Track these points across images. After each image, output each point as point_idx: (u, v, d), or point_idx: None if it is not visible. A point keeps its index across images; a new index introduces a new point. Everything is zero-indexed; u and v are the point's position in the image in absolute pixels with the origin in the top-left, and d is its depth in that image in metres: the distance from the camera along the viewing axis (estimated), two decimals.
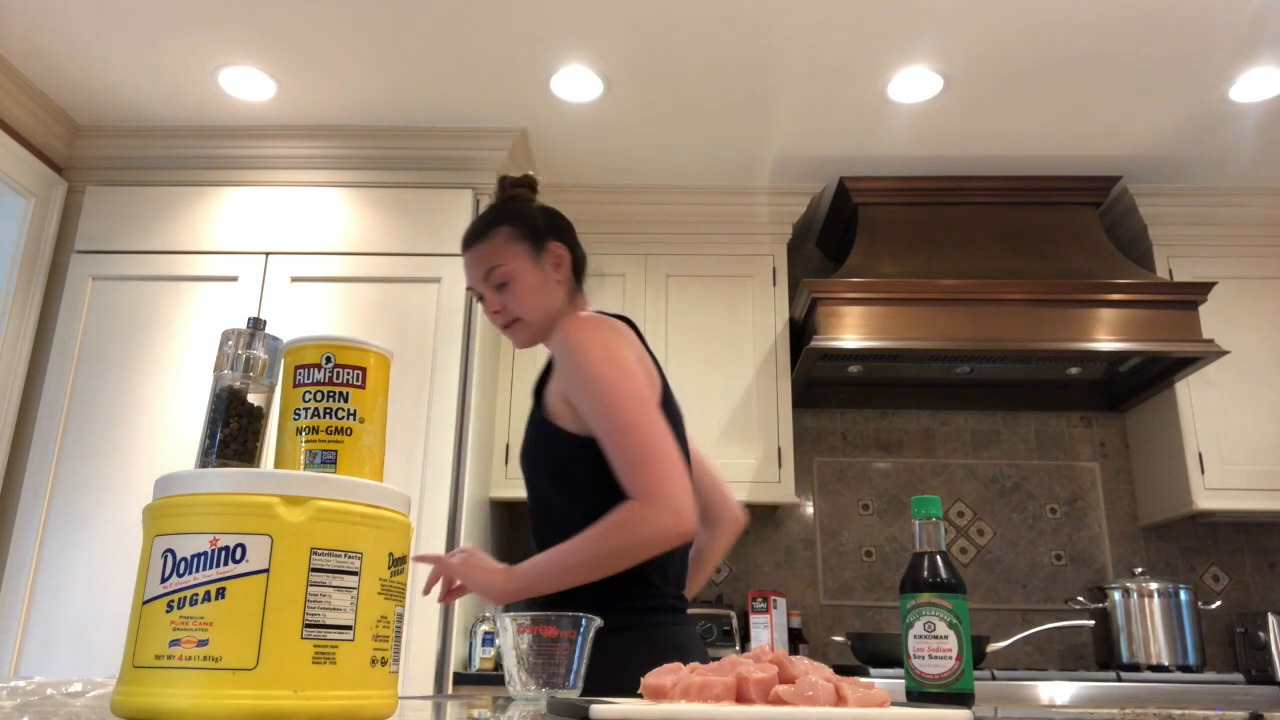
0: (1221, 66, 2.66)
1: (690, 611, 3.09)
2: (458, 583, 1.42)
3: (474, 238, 1.56)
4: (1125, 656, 2.89)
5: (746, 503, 3.09)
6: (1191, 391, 3.10)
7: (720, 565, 3.38)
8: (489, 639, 2.75)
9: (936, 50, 2.63)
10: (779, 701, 0.75)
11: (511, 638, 1.07)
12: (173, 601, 0.66)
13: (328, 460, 0.78)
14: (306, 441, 0.79)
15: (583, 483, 1.43)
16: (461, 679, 2.65)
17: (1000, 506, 3.38)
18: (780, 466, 3.08)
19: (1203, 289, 2.95)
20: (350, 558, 0.70)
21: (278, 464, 0.80)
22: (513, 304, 1.52)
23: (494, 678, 2.65)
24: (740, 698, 0.77)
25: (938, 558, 1.04)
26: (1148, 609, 2.89)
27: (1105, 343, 2.91)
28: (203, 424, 0.85)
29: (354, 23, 2.56)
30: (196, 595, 0.66)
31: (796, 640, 3.14)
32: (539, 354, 3.22)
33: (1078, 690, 2.53)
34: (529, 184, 1.63)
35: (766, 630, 2.99)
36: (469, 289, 1.58)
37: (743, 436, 3.12)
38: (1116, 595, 2.93)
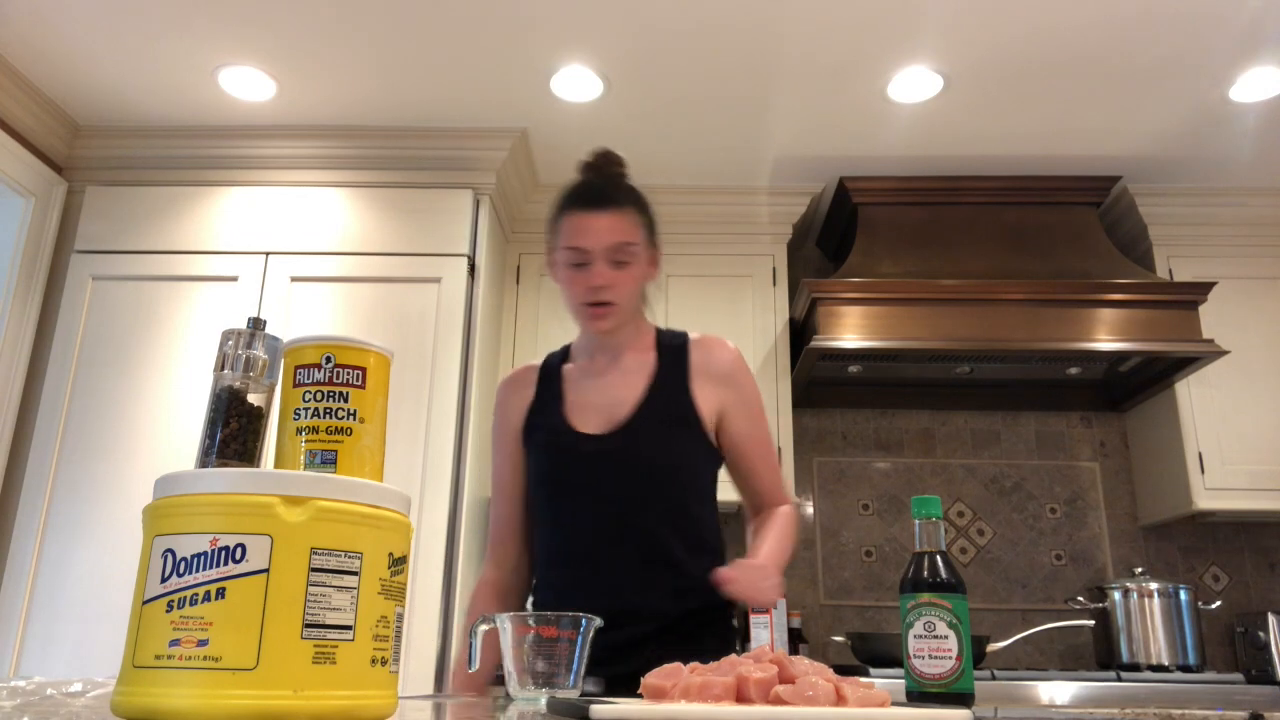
0: (1221, 66, 2.66)
1: None
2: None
3: (612, 203, 1.43)
4: (1125, 656, 2.89)
5: None
6: (1191, 391, 3.10)
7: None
8: None
9: (936, 50, 2.63)
10: (779, 701, 0.75)
11: (511, 638, 1.08)
12: (173, 601, 0.66)
13: (328, 460, 0.78)
14: (306, 441, 0.79)
15: (708, 489, 1.53)
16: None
17: (1000, 506, 3.38)
18: (780, 467, 3.08)
19: (1203, 289, 2.95)
20: (350, 558, 0.70)
21: (278, 464, 0.80)
22: (619, 287, 1.43)
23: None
24: (740, 698, 0.77)
25: (938, 558, 1.04)
26: (1148, 609, 2.89)
27: (1105, 343, 2.91)
28: (203, 424, 0.85)
29: (354, 23, 2.56)
30: (196, 595, 0.66)
31: (796, 640, 3.14)
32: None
33: (1078, 690, 2.53)
34: (622, 166, 1.55)
35: (766, 630, 2.98)
36: (574, 248, 1.43)
37: None
38: (1116, 595, 2.93)
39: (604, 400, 1.49)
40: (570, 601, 1.40)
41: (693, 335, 1.57)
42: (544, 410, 1.53)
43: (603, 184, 1.48)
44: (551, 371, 1.58)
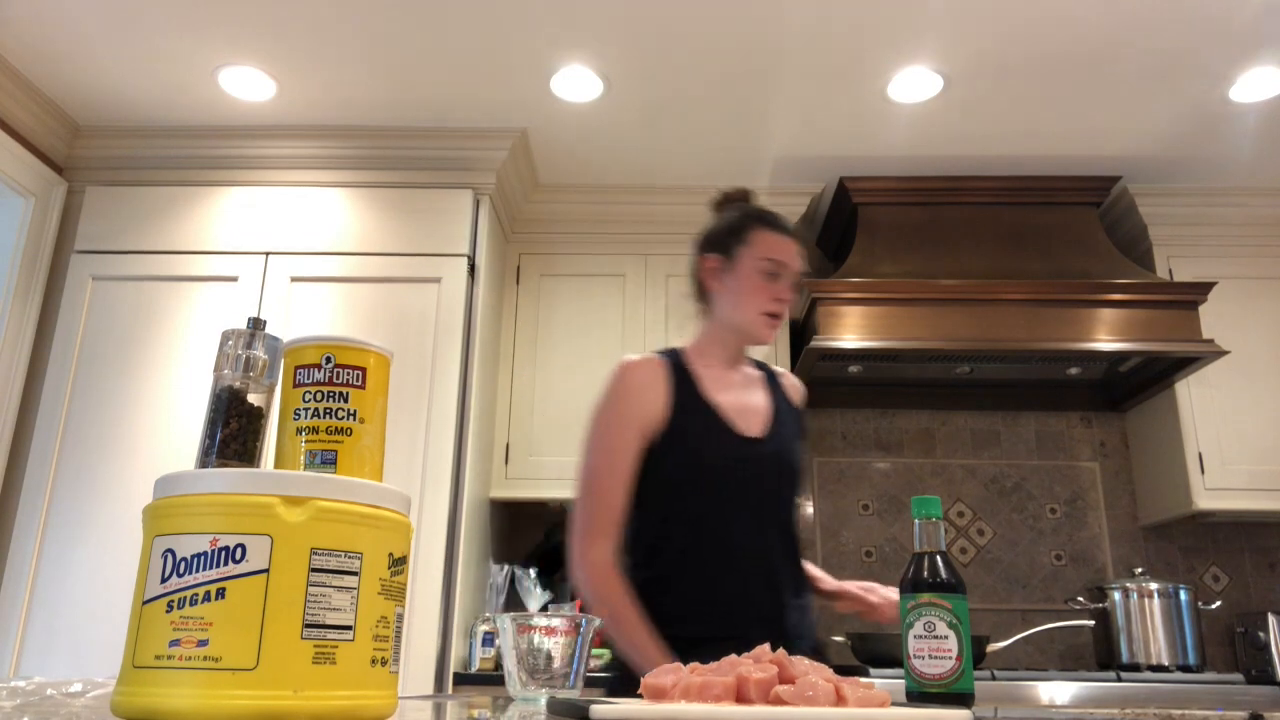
0: (1221, 66, 2.66)
1: None
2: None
3: (797, 236, 1.67)
4: (1125, 656, 2.89)
5: None
6: (1191, 391, 3.10)
7: None
8: (489, 639, 2.75)
9: (936, 50, 2.63)
10: (779, 701, 0.75)
11: (511, 638, 1.07)
12: (173, 602, 0.66)
13: (328, 460, 0.78)
14: (306, 441, 0.79)
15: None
16: (461, 679, 2.65)
17: (1000, 506, 3.38)
18: None
19: (1203, 289, 2.95)
20: (350, 558, 0.70)
21: (278, 464, 0.80)
22: (790, 307, 1.65)
23: (494, 678, 2.65)
24: (740, 698, 0.77)
25: (938, 558, 1.04)
26: (1148, 609, 2.89)
27: (1105, 343, 2.91)
28: (203, 424, 0.85)
29: (354, 23, 2.56)
30: (196, 595, 0.66)
31: None
32: (539, 354, 3.22)
33: (1078, 690, 2.53)
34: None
35: None
36: (776, 260, 1.61)
37: None
38: (1116, 595, 2.93)
39: (749, 405, 1.62)
40: (730, 595, 1.50)
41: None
42: (695, 409, 1.57)
43: (787, 222, 1.68)
44: (681, 371, 1.61)
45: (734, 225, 1.65)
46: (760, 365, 1.75)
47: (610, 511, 1.53)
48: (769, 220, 1.64)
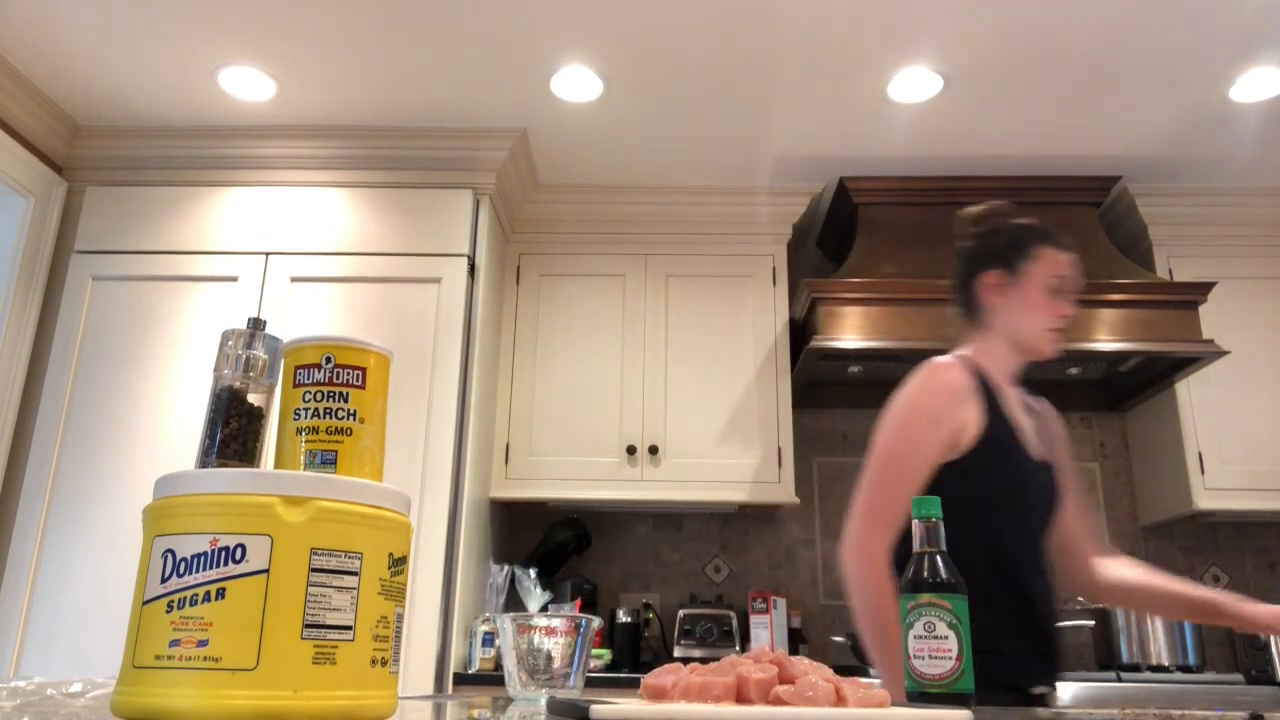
0: (1221, 66, 2.66)
1: (690, 612, 3.10)
2: None
3: (1076, 251, 1.69)
4: (1125, 656, 2.89)
5: (746, 503, 3.09)
6: (1191, 391, 3.10)
7: (720, 565, 3.38)
8: (489, 639, 2.75)
9: (936, 50, 2.63)
10: (779, 701, 0.75)
11: (511, 638, 1.08)
12: (173, 602, 0.66)
13: (328, 460, 0.78)
14: (306, 441, 0.79)
15: None
16: (461, 679, 2.65)
17: None
18: (780, 467, 3.08)
19: (1203, 289, 2.95)
20: (350, 558, 0.70)
21: (278, 464, 0.80)
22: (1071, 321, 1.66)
23: (494, 678, 2.65)
24: (740, 698, 0.77)
25: (938, 558, 1.04)
26: None
27: (1105, 343, 2.91)
28: (203, 424, 0.85)
29: (354, 23, 2.56)
30: (196, 595, 0.66)
31: (796, 640, 3.14)
32: (539, 354, 3.22)
33: (1078, 690, 2.53)
34: None
35: (766, 630, 2.99)
36: (1065, 278, 1.64)
37: (742, 436, 3.12)
38: None
39: (1030, 429, 1.65)
40: (1041, 614, 1.57)
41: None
42: (1003, 427, 1.58)
43: (1063, 234, 1.71)
44: (985, 387, 1.61)
45: (1018, 241, 1.66)
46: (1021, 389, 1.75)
47: (898, 505, 1.52)
48: (1053, 237, 1.66)
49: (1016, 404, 1.65)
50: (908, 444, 1.53)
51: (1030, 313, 1.62)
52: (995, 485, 1.55)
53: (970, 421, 1.55)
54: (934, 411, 1.54)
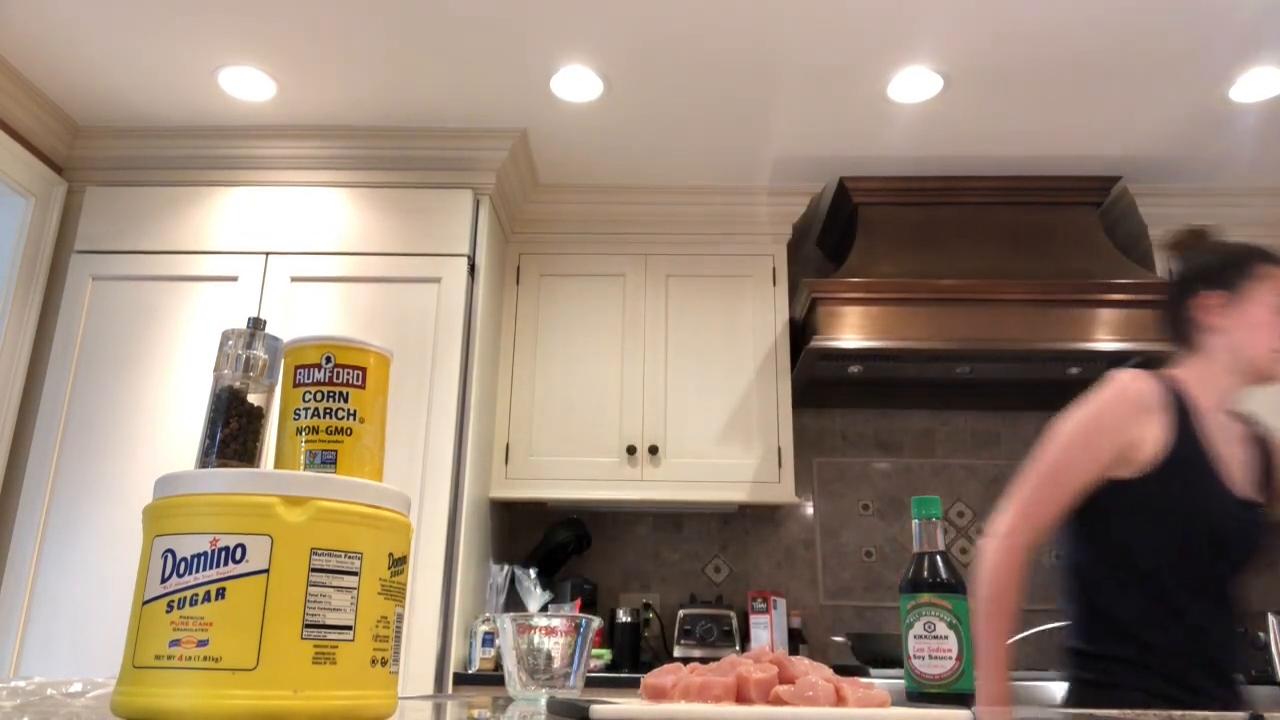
0: (1221, 66, 2.66)
1: (690, 612, 3.10)
2: None
3: None
4: None
5: (746, 503, 3.09)
6: None
7: (720, 565, 3.38)
8: (489, 639, 2.75)
9: (936, 50, 2.63)
10: (779, 701, 0.75)
11: (511, 638, 1.08)
12: (173, 602, 0.66)
13: (328, 460, 0.78)
14: (306, 441, 0.79)
15: None
16: (461, 679, 2.65)
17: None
18: (780, 467, 3.08)
19: None
20: (350, 558, 0.70)
21: (278, 464, 0.80)
22: None
23: (494, 678, 2.65)
24: (740, 698, 0.77)
25: (938, 558, 1.04)
26: None
27: (1105, 343, 2.91)
28: (203, 424, 0.85)
29: (354, 23, 2.56)
30: (196, 595, 0.66)
31: (796, 640, 3.14)
32: (539, 354, 3.22)
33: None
34: None
35: (766, 630, 2.99)
36: None
37: (742, 436, 3.12)
38: None
39: (1239, 462, 1.55)
40: (1209, 646, 1.48)
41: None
42: (1195, 454, 1.51)
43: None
44: (1179, 405, 1.54)
45: (1238, 261, 1.59)
46: (1255, 422, 1.64)
47: (1053, 508, 1.49)
48: (1274, 257, 1.59)
49: (1224, 432, 1.55)
50: (1075, 448, 1.49)
51: (1255, 333, 1.54)
52: (1174, 515, 1.47)
53: (1149, 439, 1.48)
54: (1109, 420, 1.49)
